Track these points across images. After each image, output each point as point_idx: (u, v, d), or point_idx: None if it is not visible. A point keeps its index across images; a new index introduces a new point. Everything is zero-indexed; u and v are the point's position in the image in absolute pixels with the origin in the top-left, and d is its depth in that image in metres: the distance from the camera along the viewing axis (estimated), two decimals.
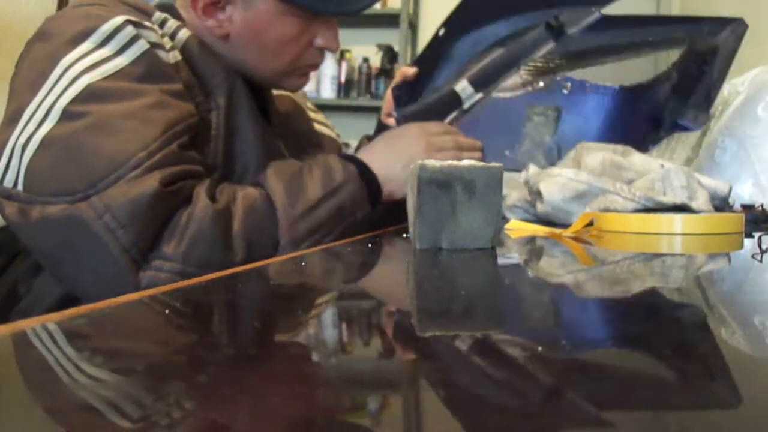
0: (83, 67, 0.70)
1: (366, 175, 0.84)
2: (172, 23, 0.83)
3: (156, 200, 0.66)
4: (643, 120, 0.96)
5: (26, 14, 2.96)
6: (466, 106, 1.00)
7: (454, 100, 1.00)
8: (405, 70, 1.08)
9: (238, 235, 0.71)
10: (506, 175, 0.59)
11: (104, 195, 0.65)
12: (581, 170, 0.78)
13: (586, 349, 0.25)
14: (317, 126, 1.15)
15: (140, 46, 0.74)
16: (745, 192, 0.98)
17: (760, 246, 0.58)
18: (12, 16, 2.89)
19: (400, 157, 0.88)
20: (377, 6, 3.57)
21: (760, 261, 0.49)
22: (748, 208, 0.87)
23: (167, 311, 0.29)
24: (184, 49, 0.82)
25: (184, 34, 0.83)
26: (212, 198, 0.71)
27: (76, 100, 0.69)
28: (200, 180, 0.73)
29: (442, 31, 1.04)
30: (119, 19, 0.74)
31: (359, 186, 0.82)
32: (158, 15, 0.83)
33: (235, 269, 0.45)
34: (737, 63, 0.93)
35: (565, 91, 0.94)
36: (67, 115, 0.68)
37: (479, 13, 1.01)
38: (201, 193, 0.70)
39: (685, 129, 0.93)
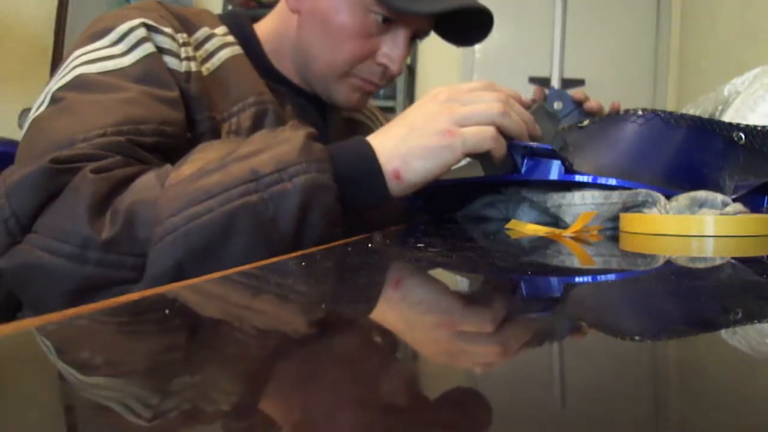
0: (86, 59, 0.71)
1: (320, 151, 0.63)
2: (217, 41, 0.85)
3: (41, 175, 0.59)
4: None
5: (27, 16, 2.97)
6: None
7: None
8: None
9: (117, 203, 0.59)
10: None
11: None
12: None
13: None
14: None
15: (145, 49, 0.74)
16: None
17: None
18: (13, 17, 2.89)
19: (411, 129, 0.68)
20: None
21: None
22: None
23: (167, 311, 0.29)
24: (221, 67, 0.83)
25: (226, 53, 0.85)
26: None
27: (63, 87, 0.69)
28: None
29: None
30: (136, 21, 0.75)
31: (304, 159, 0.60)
32: (204, 31, 0.84)
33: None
34: (737, 63, 0.93)
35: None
36: (52, 99, 0.69)
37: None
38: (88, 166, 0.60)
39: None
